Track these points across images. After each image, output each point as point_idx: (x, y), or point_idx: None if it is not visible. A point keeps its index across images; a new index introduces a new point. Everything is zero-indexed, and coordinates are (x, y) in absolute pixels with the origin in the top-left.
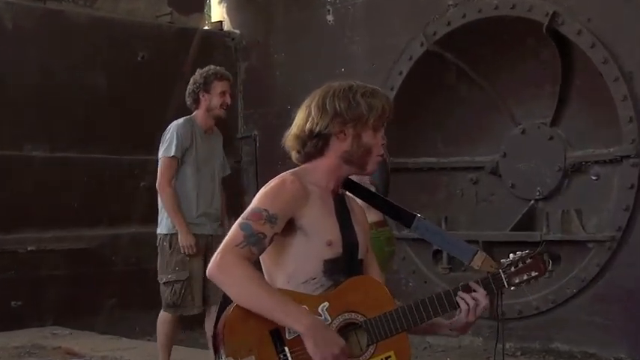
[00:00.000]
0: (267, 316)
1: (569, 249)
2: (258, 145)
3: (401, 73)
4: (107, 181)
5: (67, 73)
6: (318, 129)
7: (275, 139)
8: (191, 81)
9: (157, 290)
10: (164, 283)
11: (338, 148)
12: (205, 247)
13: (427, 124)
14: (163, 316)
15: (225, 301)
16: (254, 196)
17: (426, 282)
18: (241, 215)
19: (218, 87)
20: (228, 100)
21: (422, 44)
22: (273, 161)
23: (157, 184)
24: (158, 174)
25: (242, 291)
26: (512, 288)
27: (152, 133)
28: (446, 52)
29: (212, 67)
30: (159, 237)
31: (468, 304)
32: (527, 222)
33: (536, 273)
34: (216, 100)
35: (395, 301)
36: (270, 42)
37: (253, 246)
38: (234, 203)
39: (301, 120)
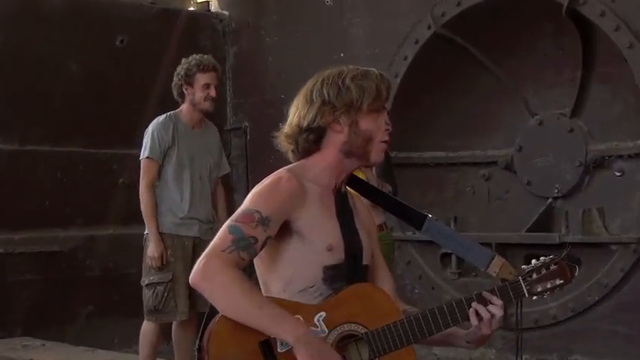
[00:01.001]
0: (257, 326)
1: (591, 252)
2: (248, 137)
3: (406, 58)
4: (82, 177)
5: (38, 59)
6: (306, 122)
7: (267, 130)
8: (175, 74)
9: (137, 297)
10: (146, 285)
11: (335, 140)
12: (192, 251)
13: (434, 115)
14: (147, 326)
15: (212, 311)
16: (244, 194)
17: (433, 288)
18: (230, 217)
19: (201, 79)
20: (212, 92)
21: (429, 27)
22: (265, 155)
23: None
24: (140, 176)
25: (229, 300)
26: (533, 297)
27: (132, 124)
28: (455, 35)
29: (195, 57)
30: (143, 237)
31: (482, 317)
32: (545, 222)
33: (562, 281)
34: (199, 94)
35: (408, 307)
36: (262, 24)
37: (243, 251)
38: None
39: (290, 116)
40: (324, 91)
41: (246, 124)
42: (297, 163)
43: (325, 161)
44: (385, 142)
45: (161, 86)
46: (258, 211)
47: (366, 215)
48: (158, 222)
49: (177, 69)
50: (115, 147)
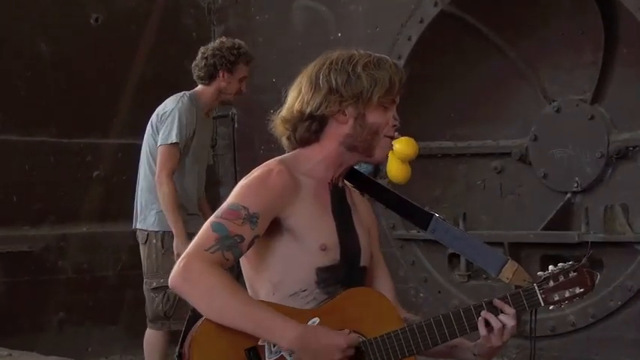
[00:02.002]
0: (244, 329)
1: (613, 252)
2: (236, 125)
3: (410, 38)
4: (53, 169)
5: (3, 39)
6: (309, 109)
7: (257, 118)
8: (210, 50)
9: (114, 302)
10: (154, 288)
11: (337, 131)
12: None
13: (441, 101)
14: (155, 335)
15: (194, 315)
16: (232, 188)
17: (440, 292)
18: (214, 213)
19: (242, 71)
20: (244, 87)
21: (435, 4)
22: (254, 145)
23: (155, 177)
24: (157, 164)
25: (212, 302)
26: (550, 307)
27: (109, 111)
28: (464, 12)
29: (240, 43)
30: (145, 234)
31: (492, 327)
32: (563, 219)
33: (581, 290)
34: (234, 85)
35: (410, 316)
36: (251, 1)
37: (227, 251)
38: (208, 197)
39: (291, 99)
40: (332, 77)
41: (234, 111)
42: (291, 153)
43: (323, 153)
44: (391, 137)
45: (140, 68)
46: (245, 207)
47: (366, 212)
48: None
49: (216, 47)
50: (89, 136)
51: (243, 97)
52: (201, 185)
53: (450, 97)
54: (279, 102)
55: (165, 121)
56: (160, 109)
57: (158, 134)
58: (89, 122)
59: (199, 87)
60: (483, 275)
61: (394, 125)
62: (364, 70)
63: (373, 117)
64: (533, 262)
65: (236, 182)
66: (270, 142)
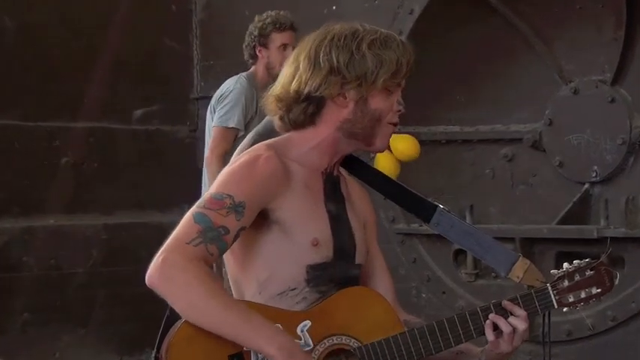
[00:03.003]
0: (227, 335)
1: (636, 249)
2: None
3: (412, 12)
4: (17, 155)
5: None
6: (307, 90)
7: None
8: (248, 30)
9: (85, 301)
10: None
11: (336, 115)
12: None
13: (446, 81)
14: None
15: (172, 316)
16: None
17: (444, 292)
18: (196, 203)
19: (277, 39)
20: (290, 54)
21: None
22: None
23: (205, 157)
24: (210, 145)
25: (193, 303)
26: (564, 309)
27: (79, 91)
28: None
29: (271, 13)
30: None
31: (501, 331)
32: (580, 213)
33: (599, 290)
34: (275, 56)
35: (411, 318)
36: None
37: (211, 244)
38: (188, 187)
39: (287, 77)
40: (334, 55)
41: None
42: (282, 137)
43: (318, 138)
44: (394, 124)
45: (113, 44)
46: (229, 196)
47: (363, 203)
48: None
49: (250, 28)
50: (57, 119)
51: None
52: None
53: (455, 77)
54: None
55: (223, 102)
56: (218, 92)
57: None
58: (57, 103)
59: (251, 68)
60: (492, 274)
61: (398, 111)
62: (369, 49)
63: (376, 102)
64: (547, 260)
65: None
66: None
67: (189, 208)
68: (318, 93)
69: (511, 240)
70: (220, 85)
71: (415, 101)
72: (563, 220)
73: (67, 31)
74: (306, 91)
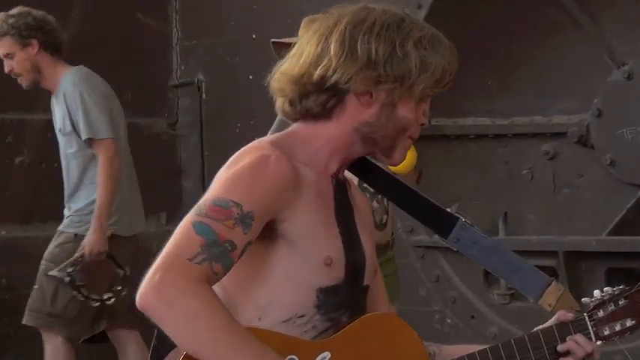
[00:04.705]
0: None
1: None
2: (204, 97)
3: None
4: None
5: None
6: (335, 79)
7: (231, 87)
8: None
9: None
10: None
11: (356, 114)
12: None
13: (475, 66)
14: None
15: (162, 342)
16: (198, 180)
17: (473, 317)
18: (194, 209)
19: None
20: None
21: None
22: (228, 123)
23: None
24: None
25: (196, 334)
26: (598, 343)
27: None
28: None
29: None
30: None
31: None
32: (635, 221)
33: (633, 322)
34: None
35: (436, 348)
36: None
37: (217, 262)
38: (167, 192)
39: (309, 56)
40: (374, 45)
41: (201, 77)
42: (284, 133)
43: (329, 137)
44: (413, 138)
45: (76, 20)
46: (237, 204)
47: (367, 212)
48: None
49: None
50: (10, 111)
51: (214, 59)
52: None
53: (486, 60)
54: (260, 64)
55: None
56: None
57: None
58: (8, 92)
59: None
60: None
61: (422, 124)
62: (416, 48)
63: (405, 109)
64: (596, 278)
65: (203, 170)
66: (250, 117)
67: (167, 216)
68: (346, 85)
69: (553, 254)
70: (204, 69)
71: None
72: (615, 231)
73: (21, 3)
74: (333, 79)
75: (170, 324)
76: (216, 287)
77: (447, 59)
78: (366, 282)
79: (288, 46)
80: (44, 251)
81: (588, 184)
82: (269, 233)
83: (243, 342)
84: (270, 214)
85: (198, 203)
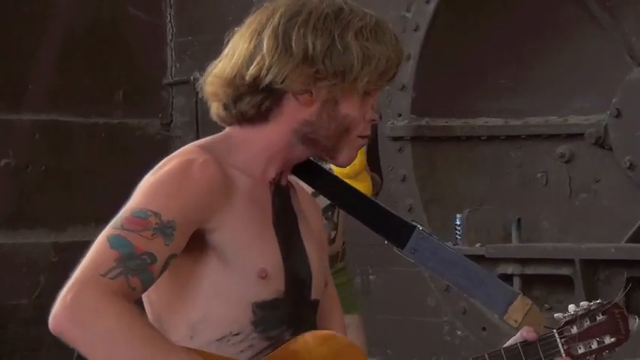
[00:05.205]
0: None
1: None
2: (200, 95)
3: None
4: None
5: None
6: (270, 78)
7: None
8: None
9: (30, 341)
10: None
11: (294, 114)
12: None
13: (485, 62)
14: None
15: None
16: None
17: (484, 329)
18: (111, 222)
19: None
20: None
21: None
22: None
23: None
24: None
25: (116, 354)
26: None
27: (20, 74)
28: None
29: None
30: None
31: None
32: None
33: (613, 339)
34: None
35: None
36: None
37: (133, 276)
38: None
39: (242, 56)
40: (310, 40)
41: (197, 75)
42: (218, 136)
43: (267, 140)
44: (364, 137)
45: (64, 14)
46: (155, 214)
47: (317, 220)
48: None
49: None
50: None
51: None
52: None
53: (496, 56)
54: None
55: None
56: None
57: None
58: None
59: None
60: (545, 304)
61: (372, 120)
62: (356, 39)
63: (349, 106)
64: (615, 287)
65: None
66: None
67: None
68: (282, 84)
69: (569, 262)
70: (200, 66)
71: (446, 87)
72: (635, 238)
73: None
74: (267, 80)
75: (86, 346)
76: (145, 306)
77: (391, 49)
78: (314, 296)
79: None
80: (31, 259)
81: (606, 188)
82: (198, 245)
83: (166, 355)
84: (196, 224)
85: (116, 216)
